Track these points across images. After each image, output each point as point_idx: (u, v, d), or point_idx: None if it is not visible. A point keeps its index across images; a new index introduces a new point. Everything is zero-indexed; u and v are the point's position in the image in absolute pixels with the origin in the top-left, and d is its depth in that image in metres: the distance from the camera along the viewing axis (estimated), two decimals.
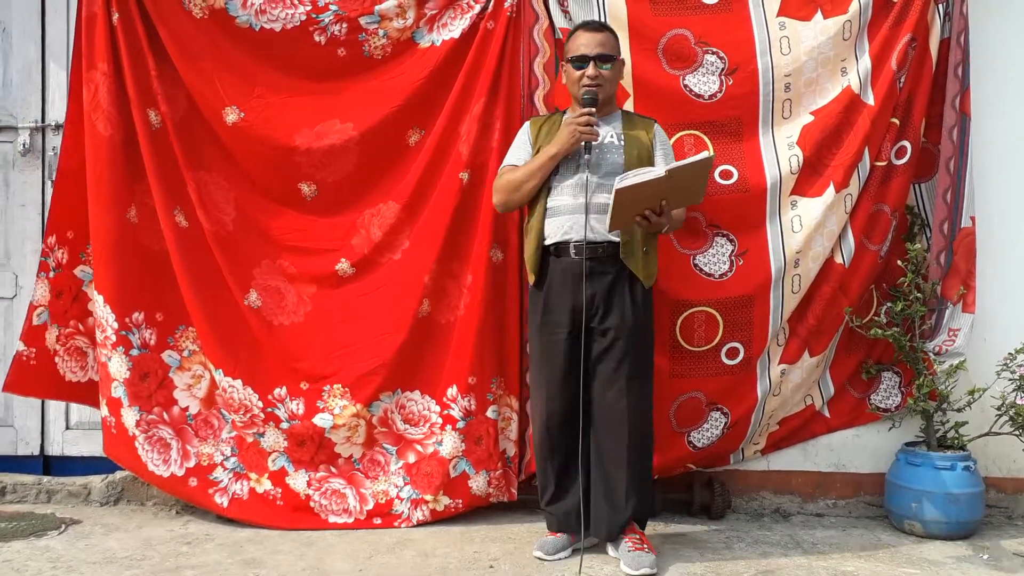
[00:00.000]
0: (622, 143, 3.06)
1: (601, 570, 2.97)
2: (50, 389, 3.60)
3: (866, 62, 3.40)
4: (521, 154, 3.15)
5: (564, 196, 3.03)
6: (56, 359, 3.57)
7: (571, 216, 3.01)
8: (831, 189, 3.36)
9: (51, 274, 3.53)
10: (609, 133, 3.08)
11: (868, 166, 3.40)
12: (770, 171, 3.40)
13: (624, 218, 2.88)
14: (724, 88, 3.44)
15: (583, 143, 2.97)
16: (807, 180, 3.41)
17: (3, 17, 3.81)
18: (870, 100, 3.38)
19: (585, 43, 3.04)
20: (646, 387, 3.09)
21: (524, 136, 3.19)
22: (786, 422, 3.61)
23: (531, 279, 3.14)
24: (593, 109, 2.98)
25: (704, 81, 3.44)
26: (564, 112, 3.17)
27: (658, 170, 2.84)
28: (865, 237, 3.45)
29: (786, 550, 3.21)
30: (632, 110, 3.35)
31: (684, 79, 3.44)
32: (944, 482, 3.30)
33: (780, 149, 3.41)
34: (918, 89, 3.44)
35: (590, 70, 3.01)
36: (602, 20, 3.41)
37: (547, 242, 3.07)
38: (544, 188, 3.06)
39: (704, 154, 2.82)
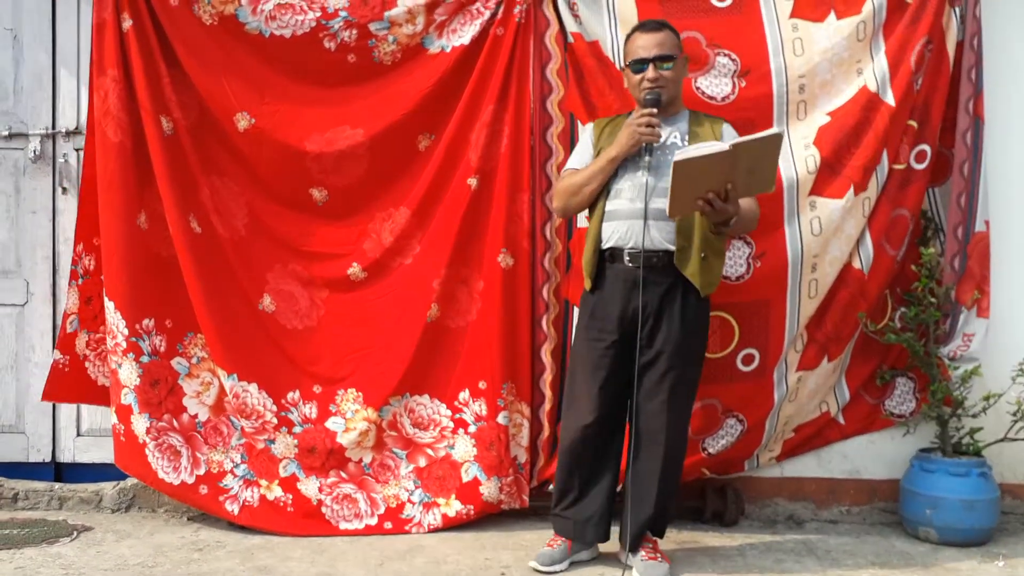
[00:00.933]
0: (686, 143, 2.96)
1: None
2: (83, 394, 3.62)
3: (882, 61, 3.36)
4: (583, 157, 3.09)
5: (622, 200, 2.95)
6: (87, 364, 3.59)
7: (628, 221, 2.93)
8: (851, 191, 3.33)
9: (80, 281, 3.55)
10: (672, 133, 2.99)
11: (886, 168, 3.38)
12: (786, 172, 3.33)
13: (685, 200, 2.73)
14: (737, 90, 3.40)
15: (644, 144, 2.90)
16: (826, 181, 3.35)
17: (14, 24, 3.81)
18: (889, 99, 3.34)
19: (643, 45, 2.96)
20: (687, 403, 3.04)
21: (587, 138, 3.14)
22: (801, 429, 3.59)
23: (587, 284, 3.06)
24: (655, 110, 2.90)
25: (716, 83, 3.41)
26: (628, 114, 3.10)
27: (722, 144, 2.70)
28: (885, 241, 3.43)
29: (800, 557, 3.20)
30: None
31: (696, 81, 3.41)
32: (959, 488, 3.28)
33: (796, 150, 3.36)
34: (935, 92, 3.42)
35: (650, 73, 2.93)
36: (612, 25, 3.41)
37: (603, 246, 3.00)
38: (604, 190, 2.99)
39: (773, 130, 2.68)
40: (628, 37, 3.06)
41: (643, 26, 3.04)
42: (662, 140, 2.94)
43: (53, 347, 3.76)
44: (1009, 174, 3.54)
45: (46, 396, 3.59)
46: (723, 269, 3.05)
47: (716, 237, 2.94)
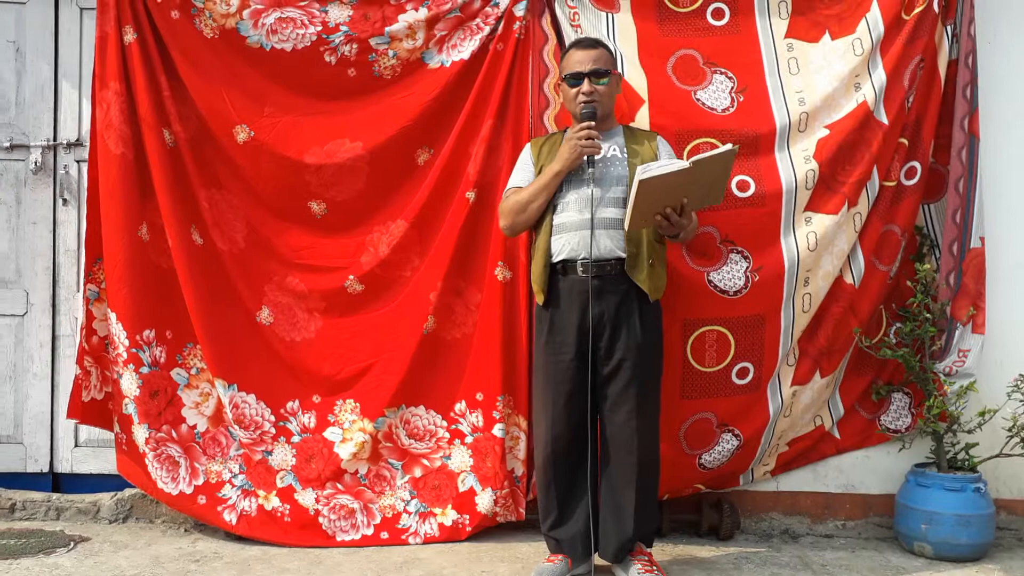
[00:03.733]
0: (625, 155, 3.05)
1: None
2: (77, 411, 3.58)
3: (881, 77, 3.38)
4: (525, 175, 3.15)
5: (570, 212, 3.01)
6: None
7: (577, 232, 2.98)
8: (845, 207, 3.35)
9: (87, 293, 3.56)
10: (611, 147, 3.07)
11: (876, 185, 3.41)
12: (787, 184, 3.36)
13: (644, 216, 2.81)
14: (736, 104, 3.44)
15: (586, 158, 2.96)
16: (821, 196, 3.38)
17: (17, 37, 3.84)
18: (883, 118, 3.38)
19: (578, 60, 3.05)
20: (654, 407, 3.07)
21: (526, 157, 3.20)
22: (796, 443, 3.61)
23: (539, 299, 3.11)
24: (592, 123, 2.97)
25: (715, 96, 3.46)
26: (563, 131, 3.17)
27: (682, 162, 2.77)
28: (875, 257, 3.45)
29: (795, 571, 3.21)
30: (647, 117, 3.35)
31: (696, 94, 3.45)
32: (954, 504, 3.29)
33: (796, 162, 3.38)
34: (927, 110, 3.45)
35: (585, 86, 3.01)
36: (612, 38, 3.44)
37: (554, 260, 3.04)
38: (550, 206, 3.05)
39: (728, 146, 2.75)
40: (565, 53, 3.14)
41: (579, 43, 3.13)
42: (603, 153, 3.01)
43: (52, 359, 3.80)
44: (1004, 191, 3.57)
45: (70, 415, 3.56)
46: (666, 275, 3.10)
47: (659, 245, 3.03)
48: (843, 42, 3.43)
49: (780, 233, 3.38)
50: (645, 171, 2.74)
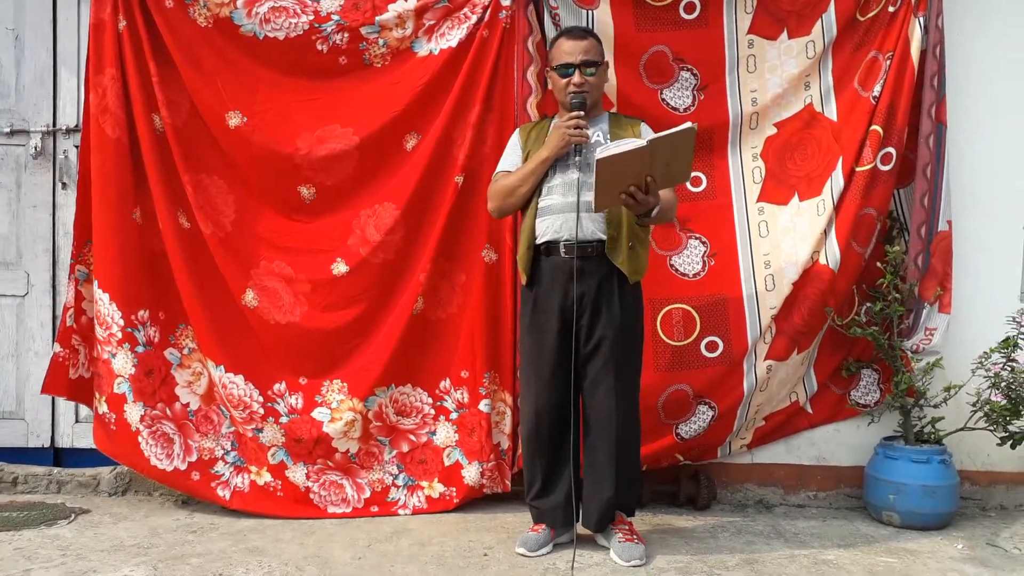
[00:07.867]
0: (607, 141, 3.05)
1: (591, 558, 3.06)
2: (64, 387, 3.65)
3: (828, 79, 3.57)
4: (513, 160, 3.20)
5: (554, 196, 3.06)
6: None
7: (561, 215, 3.03)
8: (795, 199, 3.53)
9: (75, 274, 3.62)
10: (596, 133, 3.11)
11: (842, 175, 3.50)
12: (735, 181, 3.59)
13: (609, 195, 2.84)
14: (696, 102, 3.63)
15: (573, 146, 3.03)
16: (772, 189, 3.58)
17: (16, 24, 3.89)
18: (832, 115, 3.55)
19: (569, 51, 3.08)
20: (633, 386, 3.13)
21: (514, 142, 3.25)
22: (771, 417, 3.72)
23: (523, 279, 3.18)
24: (582, 112, 3.02)
25: (679, 95, 3.63)
26: (552, 118, 3.23)
27: (639, 141, 2.77)
28: (853, 240, 3.53)
29: (769, 540, 3.30)
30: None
31: (661, 93, 3.63)
32: (921, 475, 3.40)
33: (745, 160, 3.61)
34: (900, 98, 3.53)
35: (576, 77, 3.05)
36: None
37: (538, 241, 3.10)
38: (536, 189, 3.11)
39: (686, 124, 2.78)
40: (554, 42, 3.18)
41: (569, 32, 3.16)
42: (589, 140, 3.07)
43: (53, 338, 3.85)
44: (971, 177, 3.67)
45: (46, 389, 3.62)
46: (648, 258, 3.15)
47: (640, 228, 3.06)
48: (798, 43, 3.58)
49: (734, 222, 3.58)
50: (604, 151, 2.78)
